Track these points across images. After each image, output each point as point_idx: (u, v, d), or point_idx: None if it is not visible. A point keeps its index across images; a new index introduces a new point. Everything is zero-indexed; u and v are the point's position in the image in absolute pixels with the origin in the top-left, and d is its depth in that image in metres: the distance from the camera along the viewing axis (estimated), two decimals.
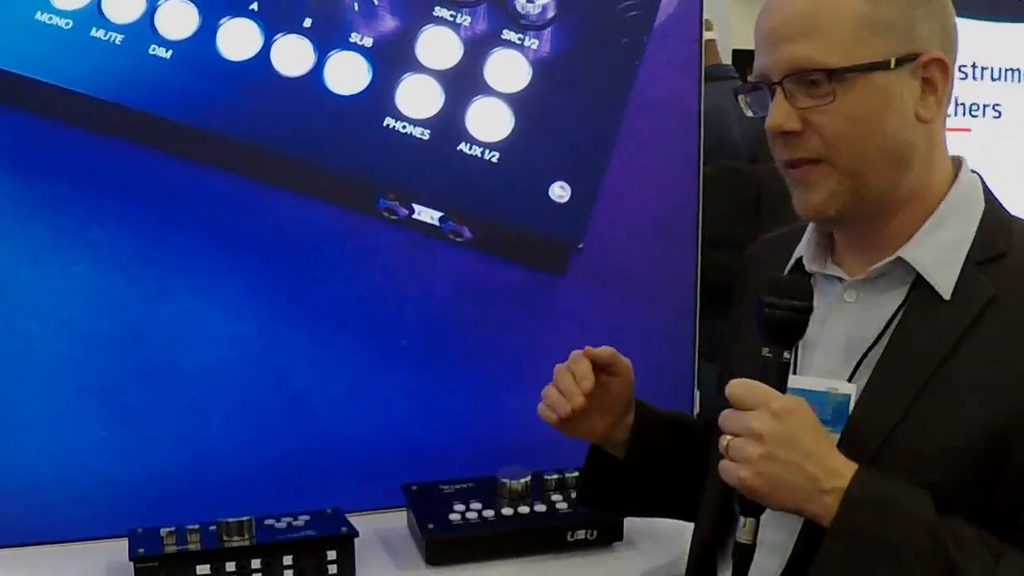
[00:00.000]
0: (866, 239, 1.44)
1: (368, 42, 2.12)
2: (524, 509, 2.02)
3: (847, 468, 1.30)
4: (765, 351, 1.37)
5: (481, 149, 2.15)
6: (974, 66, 3.10)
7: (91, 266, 2.04)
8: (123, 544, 1.84)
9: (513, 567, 1.96)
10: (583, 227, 2.18)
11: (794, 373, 1.44)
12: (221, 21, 2.07)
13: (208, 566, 1.81)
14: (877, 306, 1.42)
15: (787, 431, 1.29)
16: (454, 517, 1.98)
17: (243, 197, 2.09)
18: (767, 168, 3.04)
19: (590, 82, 2.20)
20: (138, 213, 2.05)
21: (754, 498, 1.33)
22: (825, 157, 1.37)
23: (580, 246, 2.19)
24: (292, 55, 2.09)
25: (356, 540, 1.90)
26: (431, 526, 1.96)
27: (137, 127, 2.03)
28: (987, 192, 1.45)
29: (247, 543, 1.84)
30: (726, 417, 1.34)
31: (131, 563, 1.79)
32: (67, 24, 2.02)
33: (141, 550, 1.80)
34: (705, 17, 2.31)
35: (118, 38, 2.03)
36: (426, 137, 2.13)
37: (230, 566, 1.82)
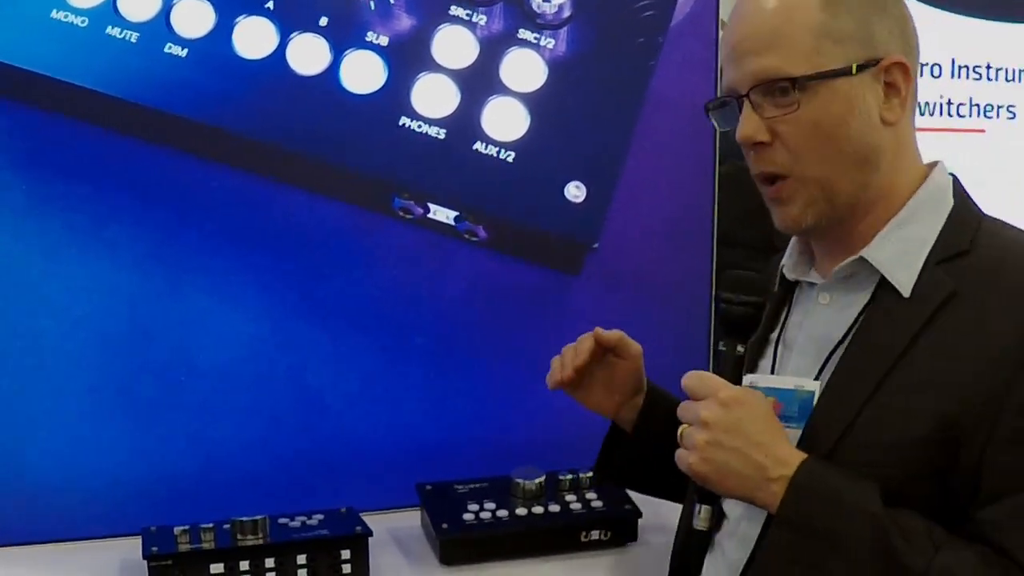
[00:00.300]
0: (837, 242, 1.47)
1: (384, 41, 2.11)
2: (538, 509, 2.02)
3: (795, 457, 1.34)
4: (720, 345, 1.46)
5: (497, 149, 2.14)
6: (988, 67, 3.10)
7: (105, 264, 2.04)
8: (137, 542, 1.84)
9: (527, 567, 1.96)
10: (598, 227, 2.18)
11: (773, 374, 1.52)
12: (237, 19, 2.07)
13: (222, 565, 1.81)
14: (847, 306, 1.45)
15: (733, 419, 1.35)
16: (468, 517, 1.98)
17: (258, 196, 2.09)
18: None
19: (606, 82, 2.20)
20: (152, 211, 2.06)
21: (703, 484, 1.39)
22: (790, 171, 1.41)
23: (595, 246, 2.18)
24: (308, 54, 2.09)
25: (370, 539, 1.90)
26: (445, 526, 1.96)
27: (152, 125, 2.03)
28: (960, 192, 1.47)
29: (261, 542, 1.83)
30: (681, 407, 1.40)
31: (145, 561, 1.79)
32: (83, 22, 2.02)
33: (155, 548, 1.80)
34: (721, 17, 2.30)
35: (133, 36, 2.03)
36: (442, 136, 2.13)
37: (244, 565, 1.82)
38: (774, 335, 1.57)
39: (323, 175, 2.10)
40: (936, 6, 2.86)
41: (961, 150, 2.88)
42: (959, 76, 2.93)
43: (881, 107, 1.40)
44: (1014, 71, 3.13)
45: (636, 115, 2.21)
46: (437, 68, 2.14)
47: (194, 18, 2.05)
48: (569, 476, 2.08)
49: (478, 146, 2.15)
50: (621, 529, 2.03)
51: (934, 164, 1.48)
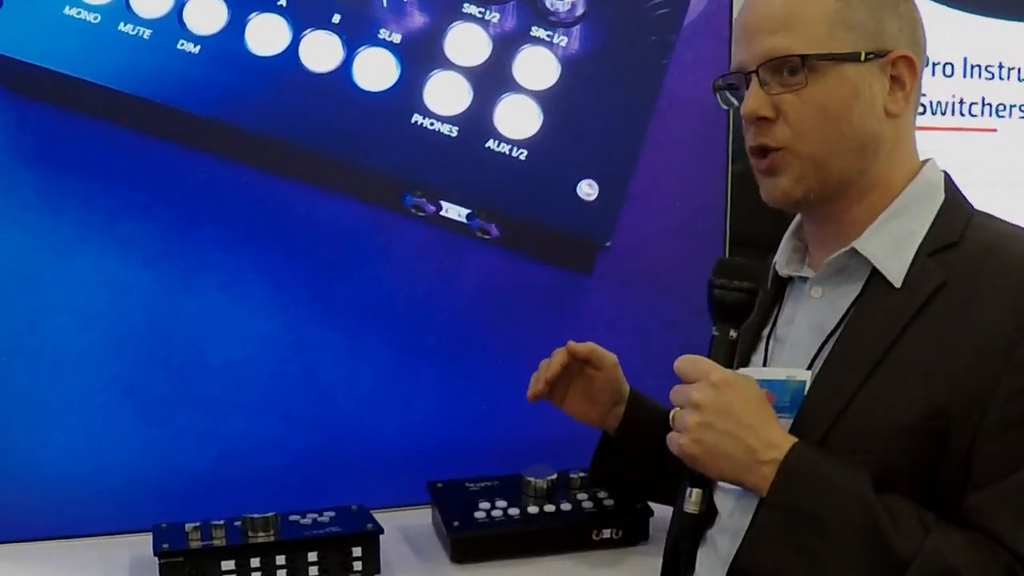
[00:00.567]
0: (830, 231, 1.49)
1: (397, 38, 2.11)
2: (549, 508, 2.01)
3: (785, 441, 1.36)
4: (714, 330, 1.46)
5: (509, 146, 2.14)
6: (1000, 66, 3.09)
7: (118, 261, 2.04)
8: (148, 539, 1.83)
9: (538, 566, 1.96)
10: (611, 226, 2.17)
11: (764, 367, 1.54)
12: (250, 16, 2.07)
13: (233, 562, 1.81)
14: (838, 298, 1.47)
15: (724, 401, 1.36)
16: (479, 515, 1.98)
17: (270, 193, 2.09)
18: None
19: (619, 80, 2.19)
20: (166, 209, 2.06)
21: (694, 466, 1.40)
22: (790, 146, 1.42)
23: (608, 245, 2.18)
24: (320, 51, 2.09)
25: (381, 537, 1.90)
26: (456, 524, 1.96)
27: (164, 122, 2.04)
28: (951, 188, 1.49)
29: (272, 539, 1.83)
30: (674, 391, 1.42)
31: (156, 558, 1.78)
32: (95, 18, 2.02)
33: (166, 545, 1.79)
34: (734, 16, 2.29)
35: (146, 33, 2.03)
36: (454, 134, 2.12)
37: (255, 562, 1.82)
38: (766, 330, 1.58)
39: (335, 172, 2.10)
40: (949, 5, 2.86)
41: (973, 149, 2.87)
42: (971, 75, 2.93)
43: (886, 98, 1.43)
44: None
45: (649, 113, 2.20)
46: (450, 66, 2.14)
47: (207, 15, 2.06)
48: (580, 474, 2.07)
49: (490, 144, 2.14)
50: (633, 528, 2.02)
51: (926, 161, 1.51)
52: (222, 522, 1.83)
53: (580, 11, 2.17)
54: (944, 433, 1.32)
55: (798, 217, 1.58)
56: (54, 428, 2.04)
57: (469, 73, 2.14)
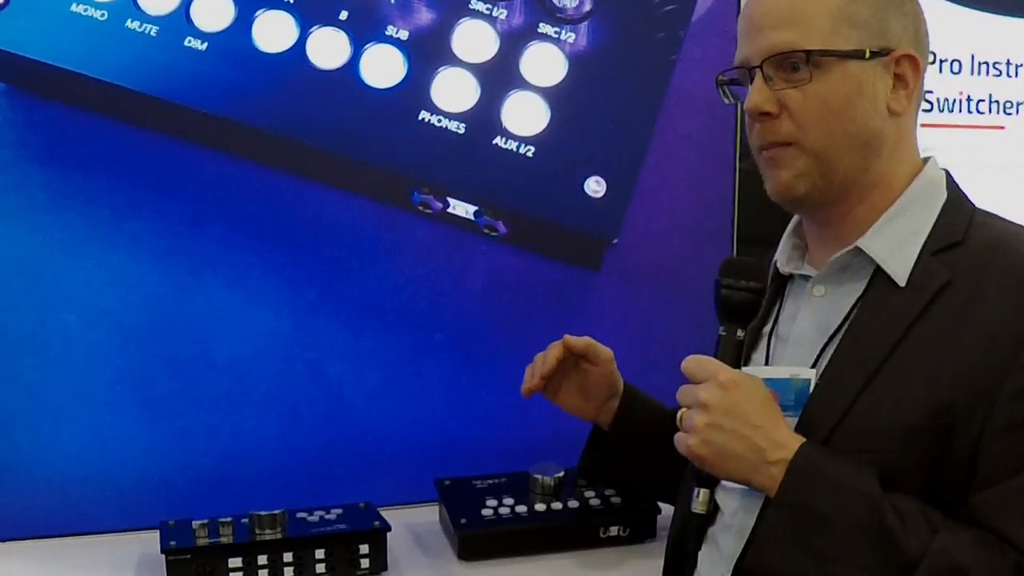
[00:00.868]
0: (831, 232, 1.50)
1: (404, 35, 2.11)
2: (557, 505, 2.01)
3: (793, 441, 1.35)
4: (720, 330, 1.46)
5: (516, 143, 2.14)
6: (1008, 63, 3.08)
7: (126, 258, 2.04)
8: (155, 536, 1.83)
9: (545, 563, 1.95)
10: (618, 223, 2.17)
11: (767, 365, 1.54)
12: (257, 13, 2.07)
13: (240, 559, 1.81)
14: (841, 297, 1.47)
15: (732, 402, 1.36)
16: (487, 512, 1.97)
17: (278, 190, 2.09)
18: None
19: (626, 77, 2.19)
20: (172, 205, 2.06)
21: (702, 466, 1.39)
22: (795, 140, 1.43)
23: (615, 241, 2.18)
24: (328, 48, 2.09)
25: (388, 534, 1.89)
26: (464, 521, 1.96)
27: (171, 119, 2.03)
28: (952, 186, 1.49)
29: (279, 536, 1.83)
30: (680, 391, 1.42)
31: (163, 555, 1.78)
32: (102, 16, 2.02)
33: (173, 542, 1.79)
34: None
35: (153, 30, 2.03)
36: (461, 131, 2.12)
37: (262, 559, 1.82)
38: (767, 328, 1.59)
39: (342, 169, 2.10)
40: (956, 2, 2.85)
41: (981, 146, 2.87)
42: (979, 72, 2.92)
43: (889, 96, 1.43)
44: None
45: (656, 110, 2.20)
46: (457, 62, 2.14)
47: (214, 12, 2.05)
48: None
49: (498, 141, 2.14)
50: (640, 525, 2.02)
51: (926, 159, 1.51)
52: (229, 519, 1.83)
53: (588, 8, 2.17)
54: (949, 432, 1.32)
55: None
56: (61, 425, 2.04)
57: (476, 70, 2.14)
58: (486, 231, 2.17)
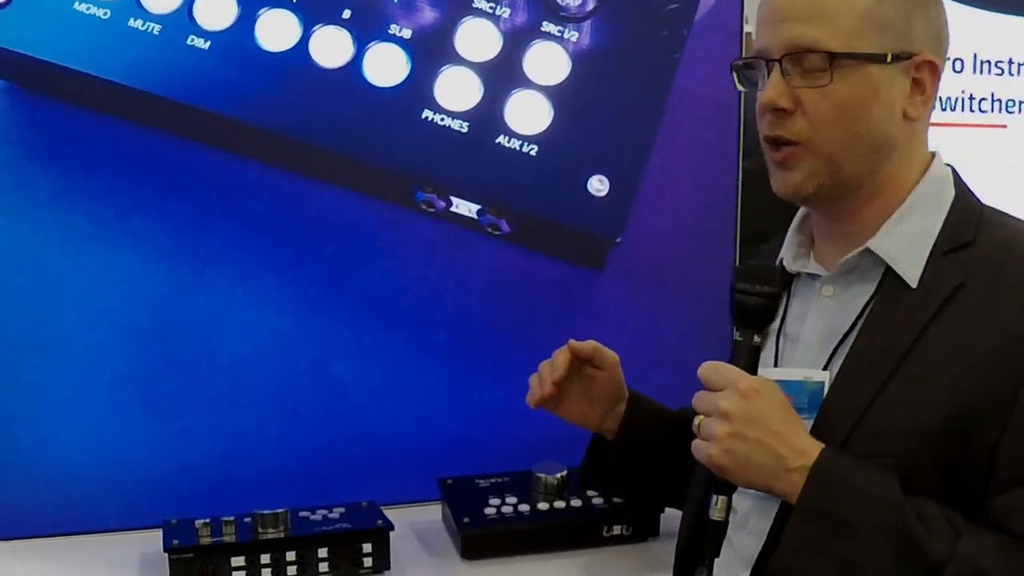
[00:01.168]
0: (839, 232, 1.48)
1: (407, 34, 2.11)
2: (559, 504, 2.01)
3: (814, 447, 1.34)
4: (736, 335, 1.46)
5: (520, 142, 2.13)
6: (1010, 62, 3.08)
7: (129, 258, 2.04)
8: (158, 535, 1.84)
9: (548, 562, 1.95)
10: (622, 222, 2.16)
11: (776, 366, 1.51)
12: (260, 12, 2.06)
13: (243, 558, 1.81)
14: (852, 298, 1.46)
15: (753, 410, 1.35)
16: (489, 511, 1.98)
17: (281, 189, 2.09)
18: None
19: (630, 75, 2.18)
20: (176, 204, 2.06)
21: (722, 475, 1.38)
22: (807, 140, 1.40)
23: (618, 241, 2.17)
24: (331, 46, 2.09)
25: (391, 533, 1.90)
26: (466, 520, 1.96)
27: (174, 118, 2.03)
28: (959, 184, 1.48)
29: (282, 535, 1.83)
30: (697, 398, 1.40)
31: (166, 554, 1.79)
32: (105, 14, 2.02)
33: (176, 541, 1.80)
34: (745, 12, 2.29)
35: (156, 28, 2.03)
36: (465, 130, 2.12)
37: (265, 558, 1.82)
38: (775, 327, 1.56)
39: (345, 168, 2.10)
40: (958, 1, 2.85)
41: (983, 145, 2.87)
42: (981, 71, 2.92)
43: (905, 101, 1.41)
44: None
45: (660, 109, 2.19)
46: (460, 61, 2.13)
47: (217, 10, 2.05)
48: None
49: (501, 139, 2.14)
50: (643, 524, 2.02)
51: (932, 155, 1.49)
52: (232, 518, 1.83)
53: (591, 6, 2.16)
54: (967, 434, 1.32)
55: (802, 210, 1.57)
56: (63, 424, 2.04)
57: (479, 68, 2.14)
58: (489, 230, 2.16)
